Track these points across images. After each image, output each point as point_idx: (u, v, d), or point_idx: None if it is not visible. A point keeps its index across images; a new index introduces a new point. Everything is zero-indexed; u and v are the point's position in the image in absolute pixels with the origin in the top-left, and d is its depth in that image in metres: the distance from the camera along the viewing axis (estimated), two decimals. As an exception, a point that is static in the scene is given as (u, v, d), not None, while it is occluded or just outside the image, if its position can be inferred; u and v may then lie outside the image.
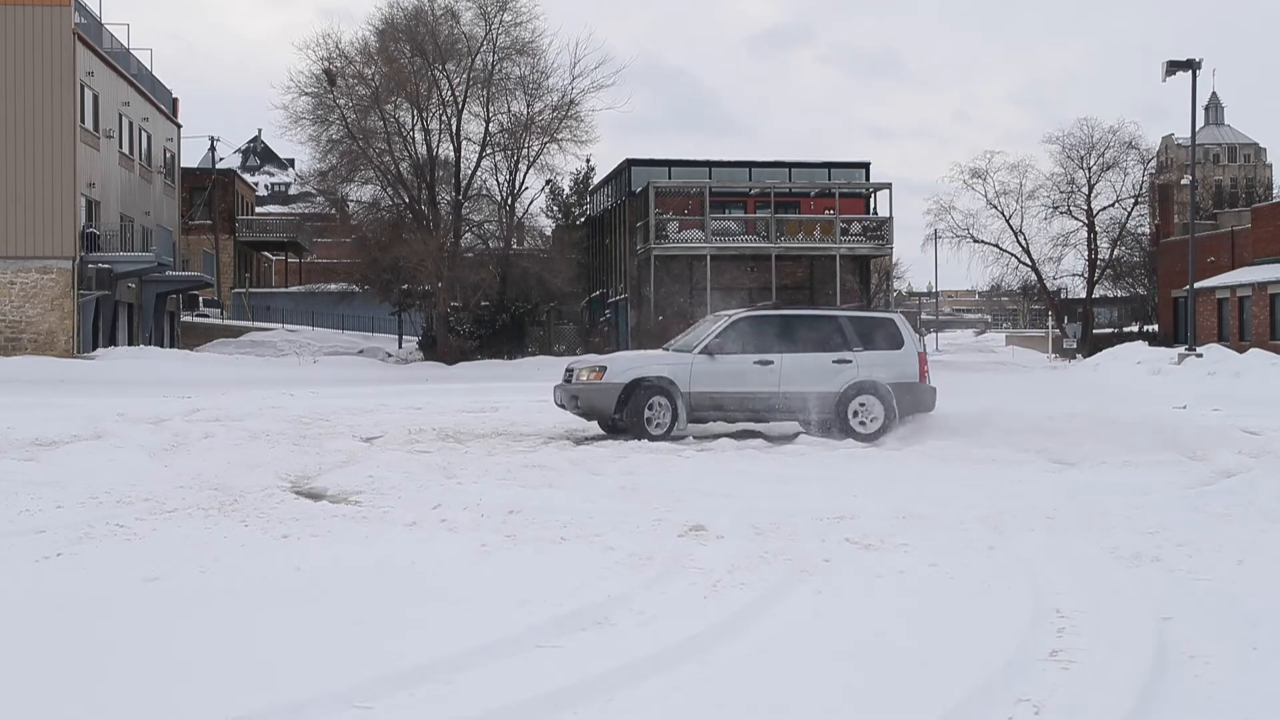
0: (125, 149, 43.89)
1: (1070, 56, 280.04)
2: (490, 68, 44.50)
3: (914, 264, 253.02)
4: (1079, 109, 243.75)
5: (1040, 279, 62.71)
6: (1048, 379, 33.02)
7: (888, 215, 50.05)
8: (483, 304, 45.39)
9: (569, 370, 14.88)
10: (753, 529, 7.51)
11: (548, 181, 50.12)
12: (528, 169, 45.98)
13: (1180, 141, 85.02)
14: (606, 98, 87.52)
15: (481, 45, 44.48)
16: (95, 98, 39.97)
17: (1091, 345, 54.46)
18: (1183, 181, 61.01)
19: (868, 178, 52.48)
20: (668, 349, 15.43)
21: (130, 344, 42.72)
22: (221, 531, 7.41)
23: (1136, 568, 6.43)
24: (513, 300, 45.40)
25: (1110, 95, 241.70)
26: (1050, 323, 67.35)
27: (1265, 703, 4.21)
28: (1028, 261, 61.80)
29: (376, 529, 7.56)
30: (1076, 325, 59.97)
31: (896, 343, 15.04)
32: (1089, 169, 60.86)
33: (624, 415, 13.97)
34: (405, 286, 45.55)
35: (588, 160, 56.73)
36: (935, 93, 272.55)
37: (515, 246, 46.79)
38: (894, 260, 77.44)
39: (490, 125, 45.31)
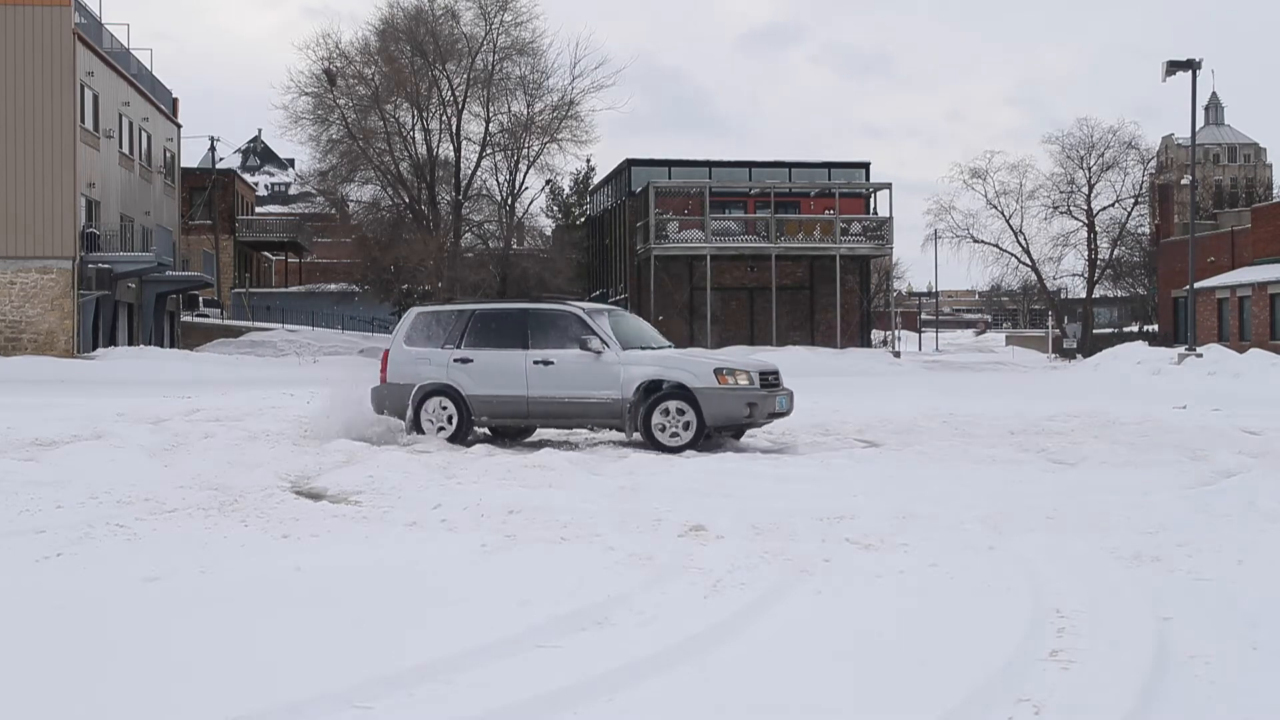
0: (125, 149, 43.90)
1: (1067, 56, 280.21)
2: (490, 68, 44.53)
3: (914, 264, 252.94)
4: (1075, 109, 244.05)
5: (1040, 279, 62.76)
6: (1045, 378, 33.05)
7: (888, 215, 50.08)
8: (483, 304, 45.40)
9: (735, 370, 12.78)
10: (753, 529, 7.51)
11: (548, 181, 50.25)
12: (528, 169, 46.07)
13: (1180, 141, 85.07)
14: (606, 98, 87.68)
15: (482, 45, 44.53)
16: (95, 98, 39.97)
17: (1091, 345, 54.48)
18: (1183, 181, 61.06)
19: (868, 178, 52.51)
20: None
21: (130, 344, 42.73)
22: (221, 531, 7.41)
23: (1136, 568, 6.42)
24: (513, 300, 45.40)
25: (1106, 95, 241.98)
26: (1050, 323, 67.42)
27: (1265, 703, 4.21)
28: (1028, 261, 61.89)
29: (376, 529, 7.56)
30: (1076, 325, 60.03)
31: None
32: (1089, 169, 60.96)
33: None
34: (405, 286, 45.61)
35: (588, 160, 56.88)
36: (929, 92, 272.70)
37: (515, 246, 46.84)
38: (894, 260, 77.63)
39: (490, 125, 45.40)
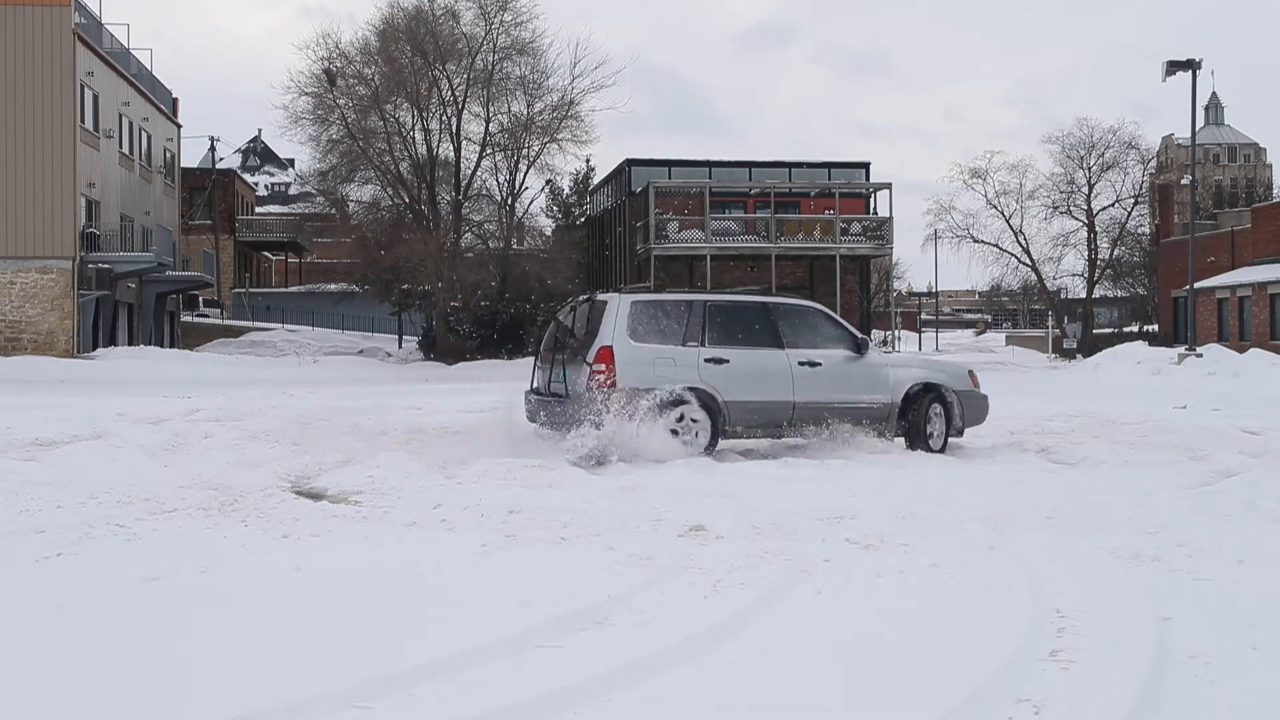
0: (125, 149, 43.90)
1: (1067, 56, 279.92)
2: (490, 68, 44.51)
3: (914, 264, 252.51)
4: (1075, 109, 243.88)
5: (1040, 279, 62.70)
6: (1048, 379, 33.04)
7: (888, 215, 50.05)
8: (482, 304, 45.38)
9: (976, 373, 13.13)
10: (753, 529, 7.51)
11: (548, 181, 50.19)
12: (528, 169, 46.01)
13: (1180, 141, 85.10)
14: (606, 98, 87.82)
15: (482, 45, 44.50)
16: (95, 98, 39.98)
17: (1091, 345, 54.46)
18: (1183, 181, 61.05)
19: (868, 178, 52.48)
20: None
21: (130, 344, 42.74)
22: (221, 531, 7.41)
23: (1136, 568, 6.43)
24: (513, 300, 45.39)
25: (1106, 95, 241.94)
26: (1050, 323, 67.40)
27: (1265, 702, 4.22)
28: (1028, 261, 61.81)
29: (376, 529, 7.55)
30: (1076, 325, 60.01)
31: None
32: (1089, 169, 60.87)
33: None
34: (405, 286, 45.58)
35: (587, 160, 56.84)
36: (929, 92, 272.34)
37: (515, 246, 46.78)
38: (894, 260, 77.68)
39: (490, 125, 45.36)
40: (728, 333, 12.00)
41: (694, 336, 11.82)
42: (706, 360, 11.72)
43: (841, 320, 12.78)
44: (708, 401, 11.62)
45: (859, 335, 12.62)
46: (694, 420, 11.54)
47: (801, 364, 12.07)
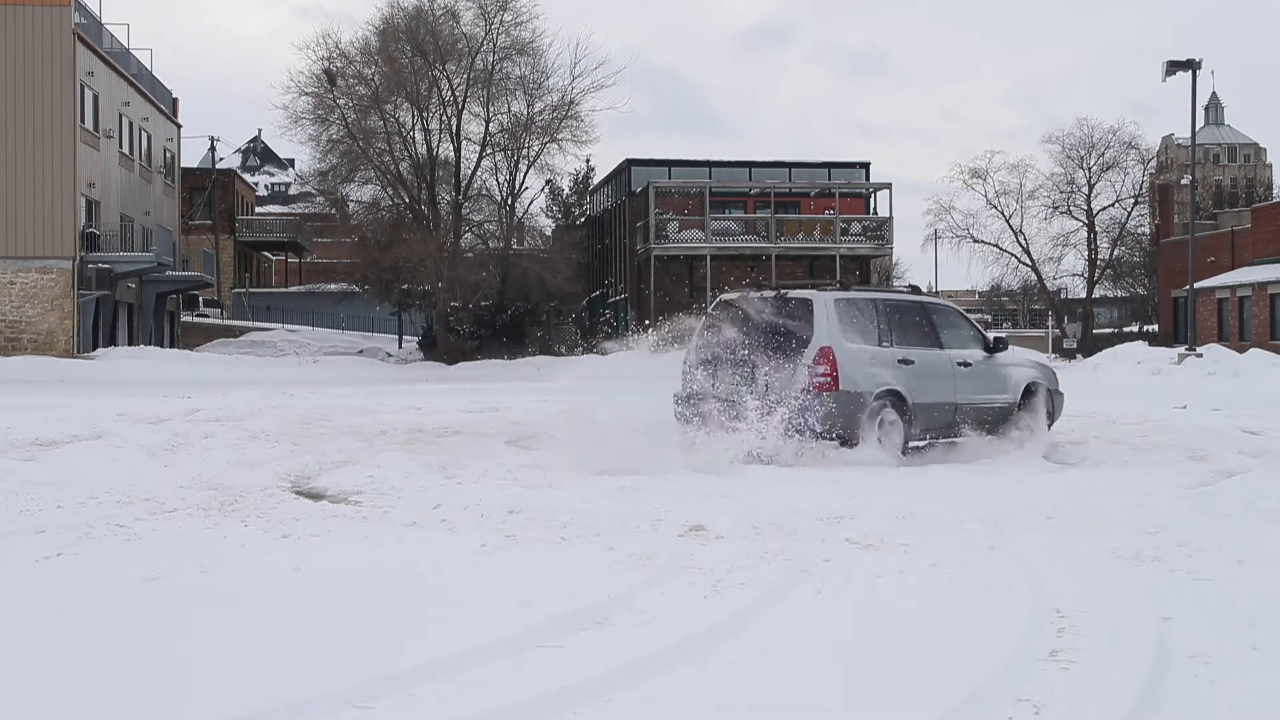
0: (125, 149, 43.91)
1: (1067, 56, 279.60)
2: (490, 68, 44.54)
3: (914, 264, 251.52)
4: (1075, 109, 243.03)
5: (1040, 279, 62.70)
6: None
7: (888, 215, 50.04)
8: (483, 304, 45.40)
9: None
10: (753, 529, 7.50)
11: (548, 181, 50.20)
12: (528, 169, 46.03)
13: (1180, 141, 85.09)
14: (606, 98, 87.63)
15: (482, 45, 44.52)
16: (95, 98, 39.99)
17: (1091, 345, 54.46)
18: (1183, 181, 61.05)
19: (868, 178, 52.45)
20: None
21: (130, 344, 42.75)
22: (221, 531, 7.41)
23: (1136, 568, 6.43)
24: (513, 300, 45.39)
25: (1106, 95, 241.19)
26: (1050, 323, 67.39)
27: (1265, 702, 4.22)
28: (1028, 261, 61.81)
29: (376, 529, 7.55)
30: (1076, 325, 60.00)
31: None
32: (1089, 169, 60.87)
33: None
34: (405, 286, 45.61)
35: (587, 160, 56.81)
36: (929, 92, 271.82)
37: (515, 246, 46.79)
38: (894, 260, 77.56)
39: (490, 125, 45.39)
40: (905, 333, 11.81)
41: (885, 336, 11.59)
42: (899, 361, 11.48)
43: (973, 320, 12.78)
44: (899, 403, 11.33)
45: (989, 335, 12.73)
46: (891, 423, 11.27)
47: (959, 364, 12.03)
